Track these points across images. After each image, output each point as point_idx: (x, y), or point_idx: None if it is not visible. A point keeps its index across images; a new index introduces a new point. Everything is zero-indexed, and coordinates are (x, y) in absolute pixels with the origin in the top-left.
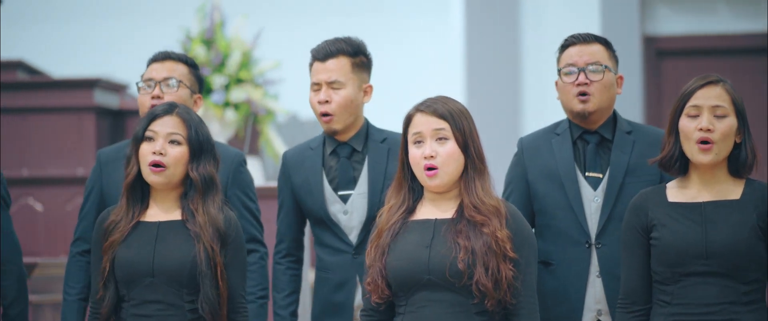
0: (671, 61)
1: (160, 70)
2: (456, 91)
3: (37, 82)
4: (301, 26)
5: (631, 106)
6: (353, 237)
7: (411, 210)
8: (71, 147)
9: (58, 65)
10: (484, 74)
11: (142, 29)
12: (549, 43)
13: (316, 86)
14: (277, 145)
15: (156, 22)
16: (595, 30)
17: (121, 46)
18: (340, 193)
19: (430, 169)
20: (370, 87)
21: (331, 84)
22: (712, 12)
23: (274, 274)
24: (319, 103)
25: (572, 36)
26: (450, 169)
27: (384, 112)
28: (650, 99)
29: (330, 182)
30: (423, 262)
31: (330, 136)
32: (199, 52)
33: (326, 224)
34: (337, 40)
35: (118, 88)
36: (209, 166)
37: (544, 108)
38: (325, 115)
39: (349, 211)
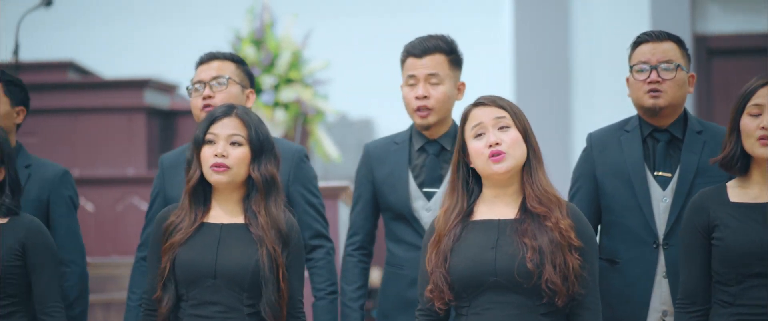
0: (721, 60)
1: (208, 70)
2: (505, 91)
3: (87, 82)
4: (351, 26)
5: None
6: None
7: (468, 212)
8: (121, 147)
9: (109, 66)
10: (534, 74)
11: (193, 30)
12: (599, 43)
13: (412, 80)
14: (327, 145)
15: (206, 23)
16: (645, 29)
17: (171, 46)
18: (425, 190)
19: (495, 155)
20: (463, 85)
21: (429, 78)
22: (762, 11)
23: (344, 266)
24: (417, 98)
25: (645, 33)
26: (516, 153)
27: None
28: (700, 98)
29: (415, 178)
30: (489, 263)
31: (420, 131)
32: (248, 53)
33: (407, 220)
34: (432, 37)
35: (168, 89)
36: (270, 166)
37: (593, 108)
38: (422, 110)
39: (432, 208)
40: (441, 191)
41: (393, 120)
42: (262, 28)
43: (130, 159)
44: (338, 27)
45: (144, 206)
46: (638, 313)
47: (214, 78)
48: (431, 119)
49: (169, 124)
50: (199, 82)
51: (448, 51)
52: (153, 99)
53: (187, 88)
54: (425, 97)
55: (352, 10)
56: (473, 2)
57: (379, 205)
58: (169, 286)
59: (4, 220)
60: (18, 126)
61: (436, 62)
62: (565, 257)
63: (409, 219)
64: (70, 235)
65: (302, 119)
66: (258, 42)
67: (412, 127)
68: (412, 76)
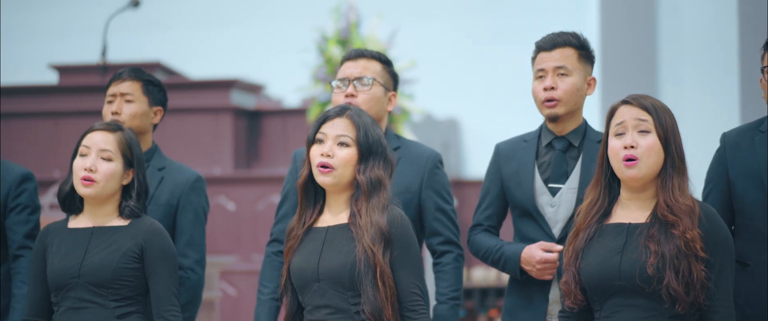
0: None
1: (354, 68)
2: None
3: (174, 83)
4: (437, 26)
5: None
6: (557, 230)
7: (607, 212)
8: (208, 147)
9: (195, 67)
10: (620, 73)
11: (278, 30)
12: (686, 42)
13: (541, 73)
14: None
15: (292, 23)
16: (733, 26)
17: (257, 47)
18: (551, 185)
19: (629, 159)
20: (594, 80)
21: (557, 70)
22: None
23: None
24: (545, 89)
25: None
26: (650, 161)
27: (520, 112)
28: None
29: (541, 174)
30: (614, 268)
31: (549, 124)
32: (334, 53)
33: (532, 215)
34: (563, 33)
35: (254, 89)
36: (377, 169)
37: (682, 107)
38: (549, 100)
39: (556, 204)
40: (566, 187)
41: (478, 120)
42: (347, 28)
43: (217, 159)
44: (424, 27)
45: (231, 206)
46: (765, 317)
47: (359, 77)
48: (559, 110)
49: (255, 124)
50: (344, 78)
51: (578, 46)
52: (239, 99)
53: (331, 83)
54: (553, 88)
55: (437, 10)
56: (558, 2)
57: (508, 202)
58: (288, 293)
59: (125, 223)
60: (155, 126)
61: (565, 55)
62: (690, 266)
63: (535, 215)
64: (192, 244)
65: (388, 118)
66: (343, 42)
67: (542, 125)
68: (541, 70)
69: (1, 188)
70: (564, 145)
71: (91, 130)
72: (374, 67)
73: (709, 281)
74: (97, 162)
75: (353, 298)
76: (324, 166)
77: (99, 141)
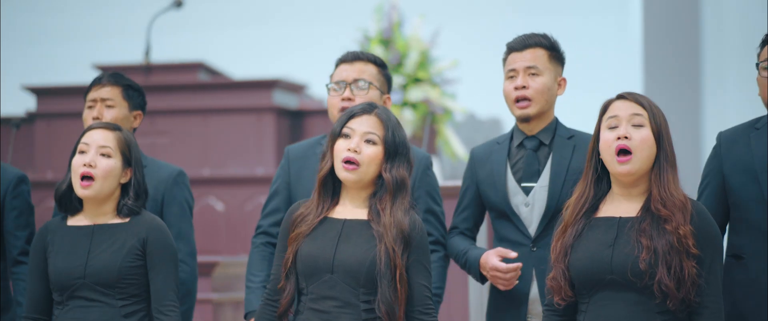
0: None
1: (350, 71)
2: (634, 90)
3: (217, 83)
4: (479, 26)
5: None
6: (532, 229)
7: (595, 207)
8: (251, 147)
9: (238, 66)
10: (663, 73)
11: (321, 30)
12: (729, 41)
13: (512, 73)
14: (455, 144)
15: (334, 23)
16: None
17: (300, 47)
18: (523, 185)
19: (622, 152)
20: (564, 80)
21: (528, 70)
22: None
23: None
24: (516, 89)
25: None
26: (643, 155)
27: (562, 112)
28: None
29: (514, 174)
30: (605, 261)
31: (520, 125)
32: (377, 52)
33: (507, 216)
34: (533, 34)
35: (297, 89)
36: (402, 169)
37: (724, 107)
38: (520, 100)
39: (530, 203)
40: (539, 186)
41: None
42: (390, 28)
43: (260, 159)
44: (466, 26)
45: None
46: (763, 307)
47: (356, 81)
48: (530, 110)
49: (297, 124)
50: (341, 81)
51: (549, 46)
52: (282, 99)
53: (326, 86)
54: (524, 87)
55: (479, 9)
56: (602, 2)
57: (485, 204)
58: (291, 277)
59: (125, 221)
60: (134, 129)
61: (535, 55)
62: (681, 262)
63: (510, 216)
64: (181, 237)
65: (430, 118)
66: (386, 42)
67: (513, 127)
68: (512, 70)
69: None
70: (535, 144)
71: (89, 129)
72: (370, 70)
73: (700, 278)
74: (96, 158)
75: (365, 294)
76: (349, 162)
77: (98, 138)
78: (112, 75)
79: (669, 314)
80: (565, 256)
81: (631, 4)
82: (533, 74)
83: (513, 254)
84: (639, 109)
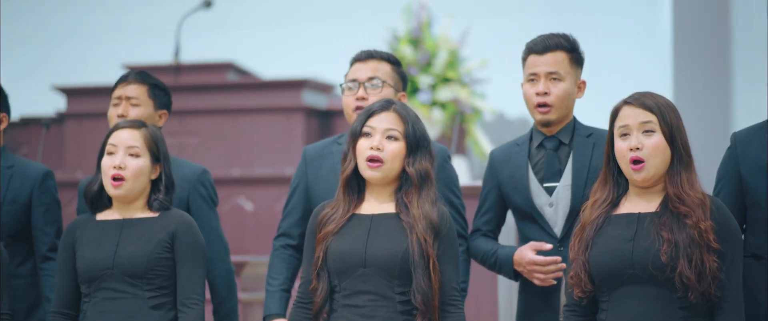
0: None
1: (364, 70)
2: (664, 89)
3: (246, 83)
4: (508, 25)
5: None
6: (558, 229)
7: (615, 204)
8: (280, 147)
9: (267, 66)
10: (693, 72)
11: (350, 30)
12: (760, 39)
13: (533, 76)
14: (484, 143)
15: (363, 23)
16: None
17: (328, 47)
18: (546, 185)
19: (636, 162)
20: (584, 83)
21: (549, 75)
22: None
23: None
24: (537, 94)
25: None
26: (656, 161)
27: (591, 111)
28: None
29: (536, 174)
30: (626, 255)
31: (540, 128)
32: (406, 52)
33: (532, 217)
34: (554, 35)
35: (326, 89)
36: (425, 162)
37: (755, 106)
38: (542, 106)
39: (554, 203)
40: (561, 185)
41: None
42: (419, 28)
43: (289, 158)
44: (495, 26)
45: None
46: None
47: (370, 79)
48: (551, 116)
49: (326, 124)
50: (354, 80)
51: (570, 49)
52: (311, 99)
53: (340, 85)
54: (546, 93)
55: (508, 8)
56: (631, 1)
57: (508, 206)
58: (323, 275)
59: (155, 215)
60: (159, 129)
61: (557, 59)
62: (702, 256)
63: (535, 216)
64: (213, 233)
65: (459, 118)
66: (415, 41)
67: (532, 127)
68: (533, 74)
69: (24, 187)
70: (555, 144)
71: (116, 128)
72: (384, 69)
73: (721, 272)
74: (125, 159)
75: (400, 286)
76: (373, 160)
77: (126, 138)
78: (139, 73)
79: (690, 308)
80: (586, 250)
81: (660, 2)
82: (555, 79)
83: (548, 246)
84: (647, 116)
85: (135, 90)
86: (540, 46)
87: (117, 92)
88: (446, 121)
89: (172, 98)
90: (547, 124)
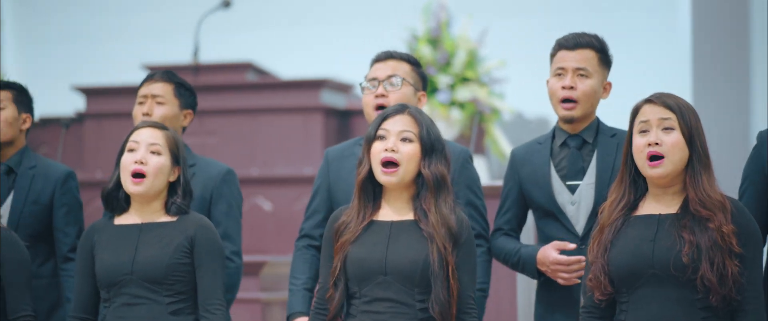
0: None
1: (384, 69)
2: (683, 89)
3: (265, 83)
4: (527, 25)
5: None
6: (580, 228)
7: (633, 206)
8: (299, 147)
9: (286, 66)
10: (712, 73)
11: (368, 30)
12: None
13: (561, 71)
14: (503, 143)
15: (382, 23)
16: None
17: (347, 46)
18: (568, 183)
19: (653, 157)
20: (610, 84)
21: (578, 71)
22: None
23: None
24: (563, 88)
25: None
26: (675, 158)
27: (609, 112)
28: None
29: (558, 172)
30: (647, 256)
31: (563, 126)
32: (424, 52)
33: (554, 215)
34: (585, 34)
35: (344, 89)
36: (440, 165)
37: None
38: (567, 101)
39: (576, 201)
40: (584, 183)
41: None
42: (438, 27)
43: (307, 158)
44: (514, 25)
45: None
46: None
47: (389, 77)
48: (576, 112)
49: (345, 124)
50: (374, 79)
51: (599, 49)
52: (329, 99)
53: (360, 85)
54: (572, 88)
55: (527, 8)
56: (650, 1)
57: (529, 205)
58: (339, 284)
59: (173, 219)
60: (184, 128)
61: (586, 57)
62: (724, 259)
63: (557, 214)
64: (228, 236)
65: (478, 118)
66: (434, 41)
67: (554, 126)
68: (561, 68)
69: (46, 187)
70: (578, 142)
71: (138, 127)
72: (403, 68)
73: (742, 276)
74: (147, 156)
75: (420, 294)
76: (388, 163)
77: (148, 136)
78: (165, 72)
79: (711, 310)
80: (605, 252)
81: (680, 3)
82: (582, 76)
83: (572, 246)
84: (668, 113)
85: (161, 88)
86: (571, 42)
87: (143, 90)
88: (465, 121)
89: (197, 99)
90: (570, 120)
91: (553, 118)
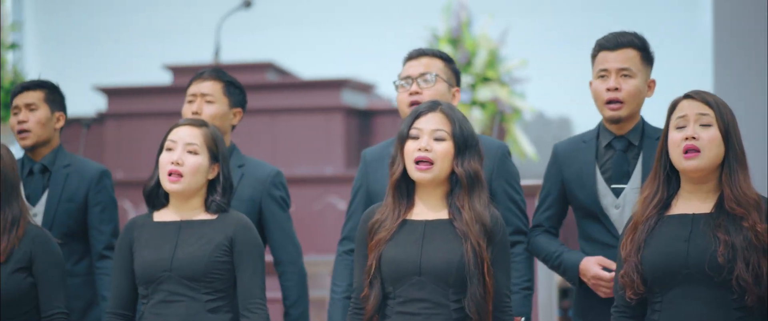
0: None
1: (417, 66)
2: (704, 88)
3: (286, 83)
4: (548, 24)
5: None
6: (622, 231)
7: (666, 204)
8: (320, 147)
9: (307, 66)
10: (734, 71)
11: (389, 29)
12: None
13: (604, 73)
14: (524, 143)
15: (402, 22)
16: None
17: (368, 46)
18: (613, 186)
19: (690, 150)
20: (653, 82)
21: (621, 71)
22: None
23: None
24: (608, 90)
25: None
26: (711, 153)
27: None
28: None
29: (603, 174)
30: (681, 256)
31: (609, 126)
32: (445, 51)
33: (597, 217)
34: (625, 33)
35: (365, 88)
36: (474, 162)
37: None
38: (612, 102)
39: (621, 205)
40: (629, 188)
41: (590, 118)
42: (458, 27)
43: (328, 158)
44: (535, 25)
45: (342, 205)
46: None
47: (422, 74)
48: (622, 112)
49: (366, 123)
50: (408, 77)
51: (641, 47)
52: (350, 98)
53: (394, 83)
54: (616, 89)
55: (548, 8)
56: (671, 0)
57: (570, 203)
58: (375, 283)
59: (213, 217)
60: (233, 127)
61: (628, 56)
62: (759, 259)
63: (600, 217)
64: (285, 235)
65: (499, 117)
66: (455, 41)
67: (599, 125)
68: (604, 70)
69: (80, 185)
70: (624, 144)
71: (176, 125)
72: (436, 64)
73: None
74: (183, 155)
75: (455, 294)
76: (422, 161)
77: (185, 135)
78: (215, 70)
79: (746, 310)
80: (638, 251)
81: (701, 2)
82: (626, 76)
83: (613, 265)
84: (706, 109)
85: (210, 87)
86: (612, 42)
87: (192, 89)
88: (486, 121)
89: (247, 97)
90: (616, 121)
91: (574, 118)
